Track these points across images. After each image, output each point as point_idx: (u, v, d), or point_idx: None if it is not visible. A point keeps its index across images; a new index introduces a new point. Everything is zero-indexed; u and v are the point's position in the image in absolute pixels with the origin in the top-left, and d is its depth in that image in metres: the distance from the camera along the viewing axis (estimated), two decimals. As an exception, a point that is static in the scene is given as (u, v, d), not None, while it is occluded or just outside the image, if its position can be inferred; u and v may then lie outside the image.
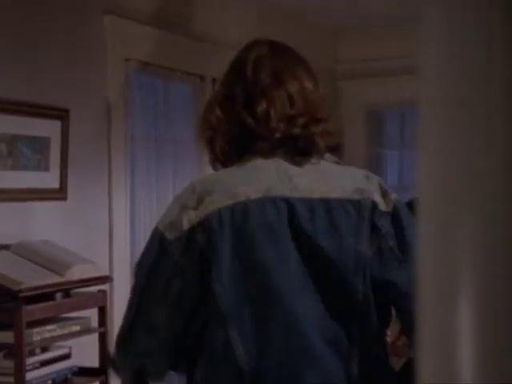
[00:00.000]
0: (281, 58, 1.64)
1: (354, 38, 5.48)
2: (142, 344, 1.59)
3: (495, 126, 0.51)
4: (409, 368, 1.62)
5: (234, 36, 4.37)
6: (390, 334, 1.92)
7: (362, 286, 1.51)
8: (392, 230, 1.55)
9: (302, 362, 1.48)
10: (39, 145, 3.16)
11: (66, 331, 2.83)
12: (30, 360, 2.68)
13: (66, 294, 2.89)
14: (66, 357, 2.89)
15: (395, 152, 5.67)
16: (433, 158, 0.51)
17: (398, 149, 5.66)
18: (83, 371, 2.97)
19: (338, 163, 1.66)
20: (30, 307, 2.63)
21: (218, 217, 1.50)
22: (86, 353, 3.01)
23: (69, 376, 2.89)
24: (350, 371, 1.50)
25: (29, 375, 2.65)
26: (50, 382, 2.80)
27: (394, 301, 1.55)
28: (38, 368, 2.73)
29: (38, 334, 2.69)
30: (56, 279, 2.78)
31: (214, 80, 4.21)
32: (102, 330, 3.01)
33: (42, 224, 3.19)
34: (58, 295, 2.83)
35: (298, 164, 1.58)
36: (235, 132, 1.60)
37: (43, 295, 2.72)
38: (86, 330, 2.95)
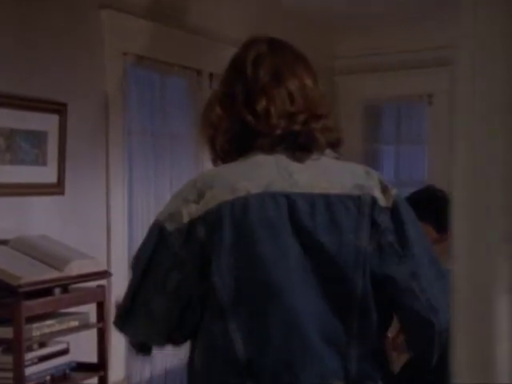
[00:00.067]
0: (280, 56, 1.64)
1: (351, 34, 5.47)
2: (140, 329, 1.61)
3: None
4: (409, 368, 1.62)
5: (231, 31, 4.36)
6: (391, 329, 1.92)
7: (362, 282, 1.51)
8: (391, 225, 1.55)
9: (301, 359, 1.48)
10: (37, 139, 3.14)
11: (64, 326, 2.82)
12: (29, 355, 2.67)
13: (65, 289, 2.88)
14: (65, 352, 2.89)
15: (392, 147, 5.67)
16: (469, 154, 0.50)
17: (394, 144, 5.66)
18: (81, 366, 2.96)
19: (338, 159, 1.65)
20: (29, 302, 2.62)
21: (219, 211, 1.50)
22: (84, 348, 3.00)
23: (67, 371, 2.89)
24: (349, 369, 1.50)
25: (27, 370, 2.64)
26: (48, 377, 2.79)
27: (393, 296, 1.54)
28: (36, 363, 2.72)
29: (37, 330, 2.68)
30: (55, 274, 2.77)
31: (210, 74, 4.21)
32: (100, 325, 3.00)
33: (40, 219, 3.18)
34: (57, 290, 2.81)
35: (299, 160, 1.58)
36: (236, 130, 1.60)
37: (41, 290, 2.71)
38: (85, 326, 2.94)
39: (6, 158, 3.01)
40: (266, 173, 1.55)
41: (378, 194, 1.56)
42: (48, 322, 2.75)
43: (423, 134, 5.51)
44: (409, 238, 1.55)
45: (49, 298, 2.75)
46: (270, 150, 1.58)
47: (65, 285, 2.85)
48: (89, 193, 3.45)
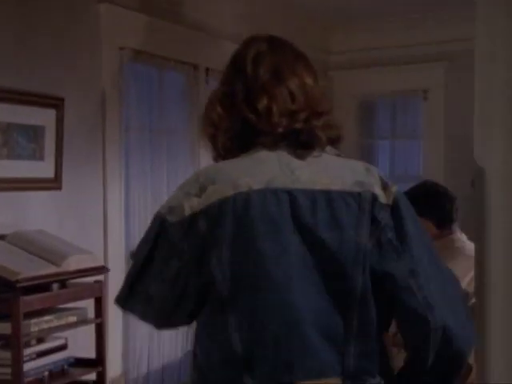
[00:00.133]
0: (280, 54, 1.64)
1: (346, 29, 5.47)
2: (139, 311, 1.64)
3: None
4: (409, 368, 1.62)
5: (228, 26, 4.35)
6: (392, 325, 1.92)
7: (362, 279, 1.51)
8: (391, 221, 1.55)
9: (298, 354, 1.48)
10: (34, 134, 3.13)
11: (62, 322, 2.82)
12: (27, 351, 2.67)
13: (62, 284, 2.87)
14: (63, 348, 2.88)
15: (387, 142, 5.68)
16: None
17: (389, 139, 5.67)
18: (80, 362, 2.95)
19: (338, 156, 1.66)
20: (27, 298, 2.61)
21: (220, 206, 1.51)
22: (81, 344, 2.99)
23: (65, 367, 2.89)
24: (347, 364, 1.50)
25: (26, 366, 2.64)
26: (46, 372, 2.78)
27: (392, 293, 1.54)
28: (34, 359, 2.72)
29: (35, 325, 2.68)
30: (53, 269, 2.76)
31: (207, 69, 4.20)
32: (98, 320, 3.00)
33: (37, 214, 3.16)
34: (55, 286, 2.80)
35: (300, 157, 1.58)
36: (237, 128, 1.60)
37: (39, 286, 2.70)
38: (83, 321, 2.93)
39: (3, 152, 2.99)
40: (267, 169, 1.55)
41: (378, 190, 1.56)
42: (46, 318, 2.74)
43: (418, 128, 5.52)
44: (408, 235, 1.54)
45: (47, 294, 2.75)
46: (273, 147, 1.58)
47: (63, 280, 2.84)
48: (86, 188, 3.44)
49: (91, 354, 3.01)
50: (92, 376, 3.02)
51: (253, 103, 1.58)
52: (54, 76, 3.25)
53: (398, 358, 1.99)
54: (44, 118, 3.17)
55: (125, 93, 3.65)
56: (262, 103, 1.57)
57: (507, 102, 1.75)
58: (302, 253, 1.51)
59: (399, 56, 5.33)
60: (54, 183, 3.23)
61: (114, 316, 3.46)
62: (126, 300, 1.62)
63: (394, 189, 1.58)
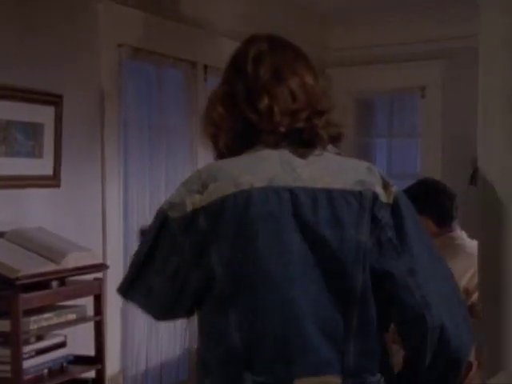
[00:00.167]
0: (281, 54, 1.65)
1: (343, 26, 5.47)
2: (141, 302, 1.66)
3: None
4: (407, 368, 1.62)
5: (226, 23, 4.35)
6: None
7: (362, 278, 1.51)
8: (391, 220, 1.55)
9: (297, 351, 1.48)
10: (33, 131, 3.12)
11: (62, 320, 2.81)
12: (26, 348, 2.66)
13: (61, 282, 2.86)
14: (62, 345, 2.88)
15: (384, 140, 5.68)
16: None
17: (387, 137, 5.67)
18: (79, 359, 2.95)
19: (339, 154, 1.66)
20: (26, 295, 2.61)
21: (222, 204, 1.51)
22: (81, 341, 2.99)
23: (64, 364, 2.88)
24: (346, 362, 1.50)
25: (25, 364, 2.64)
26: (45, 370, 2.78)
27: (391, 292, 1.55)
28: (33, 356, 2.71)
29: (34, 323, 2.67)
30: (52, 267, 2.76)
31: (205, 66, 4.20)
32: (97, 318, 3.00)
33: (36, 211, 3.16)
34: (54, 283, 2.80)
35: (302, 156, 1.59)
36: (238, 128, 1.61)
37: (38, 283, 2.69)
38: (82, 319, 2.93)
39: (2, 149, 2.98)
40: (269, 167, 1.56)
41: (379, 189, 1.57)
42: (45, 315, 2.74)
43: (416, 126, 5.52)
44: (407, 234, 1.55)
45: (46, 291, 2.74)
46: (275, 146, 1.59)
47: (62, 277, 2.84)
48: (84, 185, 3.43)
49: (90, 351, 3.00)
50: (91, 374, 3.02)
51: (254, 103, 1.59)
52: (53, 73, 3.25)
53: (398, 355, 1.99)
54: (43, 115, 3.16)
55: (123, 90, 3.64)
56: (263, 103, 1.58)
57: (507, 102, 1.76)
58: (303, 251, 1.51)
59: (397, 53, 5.33)
60: (52, 181, 3.23)
61: (113, 313, 3.47)
62: (127, 290, 1.64)
63: (395, 188, 1.59)
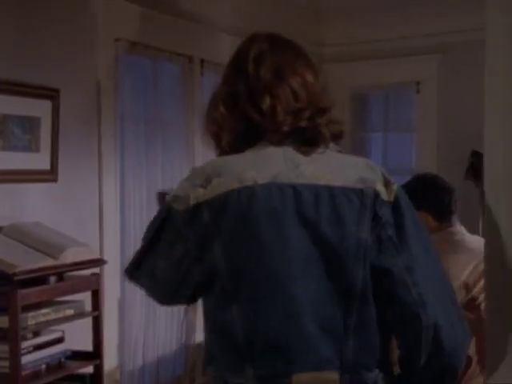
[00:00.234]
0: (281, 54, 1.65)
1: (339, 21, 5.46)
2: (145, 287, 1.69)
3: None
4: (402, 368, 1.62)
5: (223, 17, 4.34)
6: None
7: (362, 274, 1.52)
8: (392, 218, 1.56)
9: (297, 346, 1.49)
10: (30, 125, 3.11)
11: (60, 315, 2.81)
12: (24, 344, 2.65)
13: (59, 277, 2.85)
14: (60, 341, 2.87)
15: (380, 135, 5.68)
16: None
17: (382, 131, 5.67)
18: (77, 355, 2.94)
19: (340, 152, 1.67)
20: (24, 291, 2.60)
21: (225, 199, 1.52)
22: (78, 336, 2.98)
23: (62, 360, 2.88)
24: (345, 359, 1.51)
25: (23, 359, 2.63)
26: (44, 365, 2.78)
27: (389, 289, 1.55)
28: (31, 352, 2.71)
29: (32, 318, 2.66)
30: (50, 262, 2.75)
31: (201, 61, 4.18)
32: (95, 313, 2.99)
33: (33, 206, 3.15)
34: (52, 279, 2.79)
35: (305, 153, 1.60)
36: (241, 128, 1.62)
37: (36, 279, 2.68)
38: (80, 314, 2.92)
39: (-1, 144, 2.97)
40: (273, 164, 1.56)
41: (380, 187, 1.57)
42: (43, 311, 2.73)
43: (411, 121, 5.52)
44: (407, 232, 1.56)
45: (44, 287, 2.73)
46: (278, 144, 1.60)
47: (60, 273, 2.83)
48: (81, 180, 3.42)
49: (88, 347, 3.00)
50: (89, 369, 3.01)
51: (257, 103, 1.59)
52: (50, 67, 3.23)
53: (397, 351, 2.00)
54: (40, 109, 3.14)
55: (120, 84, 3.63)
56: (266, 103, 1.59)
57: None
58: (305, 247, 1.52)
59: (392, 48, 5.32)
60: (49, 175, 3.21)
61: (110, 309, 3.46)
62: (133, 272, 1.66)
63: (396, 186, 1.60)
